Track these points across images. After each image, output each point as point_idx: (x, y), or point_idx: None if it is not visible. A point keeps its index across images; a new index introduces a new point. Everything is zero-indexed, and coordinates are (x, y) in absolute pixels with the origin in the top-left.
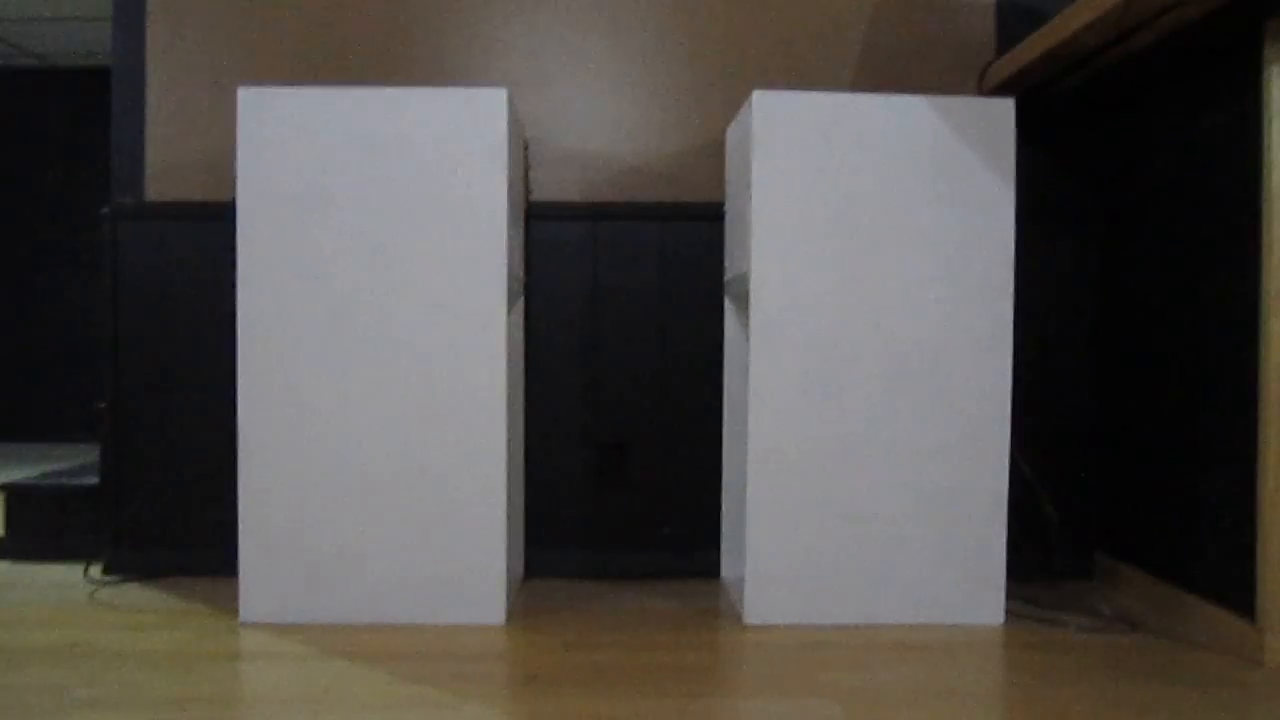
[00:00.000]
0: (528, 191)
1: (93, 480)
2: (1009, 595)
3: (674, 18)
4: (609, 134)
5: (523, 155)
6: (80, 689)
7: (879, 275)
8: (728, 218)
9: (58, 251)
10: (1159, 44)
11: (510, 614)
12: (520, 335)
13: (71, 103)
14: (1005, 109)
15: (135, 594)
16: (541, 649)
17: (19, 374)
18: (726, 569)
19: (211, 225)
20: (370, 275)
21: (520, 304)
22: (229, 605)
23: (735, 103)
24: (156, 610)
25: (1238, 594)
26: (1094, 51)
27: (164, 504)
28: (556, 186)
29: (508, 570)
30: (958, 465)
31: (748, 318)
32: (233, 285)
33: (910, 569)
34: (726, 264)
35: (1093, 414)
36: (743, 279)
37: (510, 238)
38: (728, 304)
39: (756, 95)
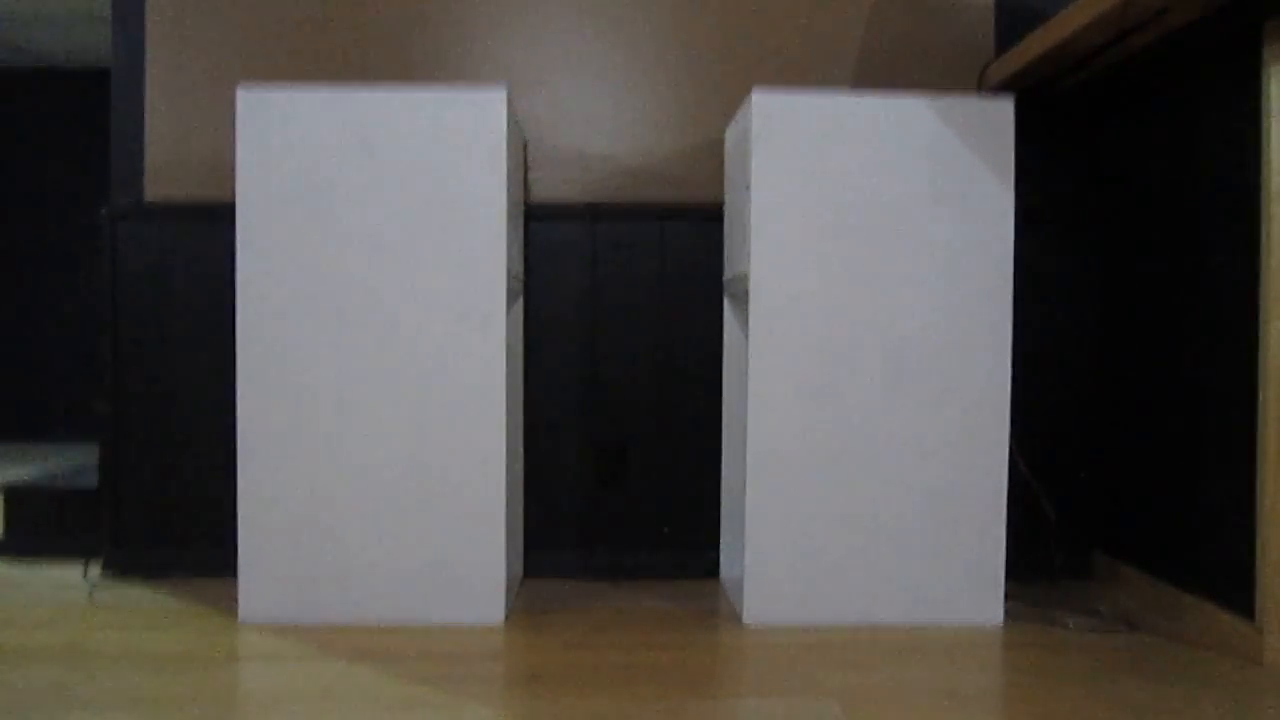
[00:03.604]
0: (527, 192)
1: (92, 480)
2: (1008, 595)
3: (673, 17)
4: (608, 134)
5: (522, 155)
6: (79, 689)
7: (878, 275)
8: (727, 217)
9: (57, 252)
10: (1158, 44)
11: (510, 614)
12: (519, 335)
13: (71, 103)
14: (1005, 108)
15: (134, 594)
16: (541, 649)
17: (19, 374)
18: (726, 569)
19: (211, 226)
20: (369, 275)
21: (519, 304)
22: (228, 605)
23: (734, 102)
24: (156, 610)
25: (1237, 593)
26: (1093, 51)
27: (163, 504)
28: (555, 186)
29: (507, 570)
30: (957, 465)
31: (747, 317)
32: (232, 286)
33: (909, 569)
34: (725, 264)
35: (1092, 414)
36: (742, 279)
37: (509, 238)
38: (727, 304)
39: (755, 95)
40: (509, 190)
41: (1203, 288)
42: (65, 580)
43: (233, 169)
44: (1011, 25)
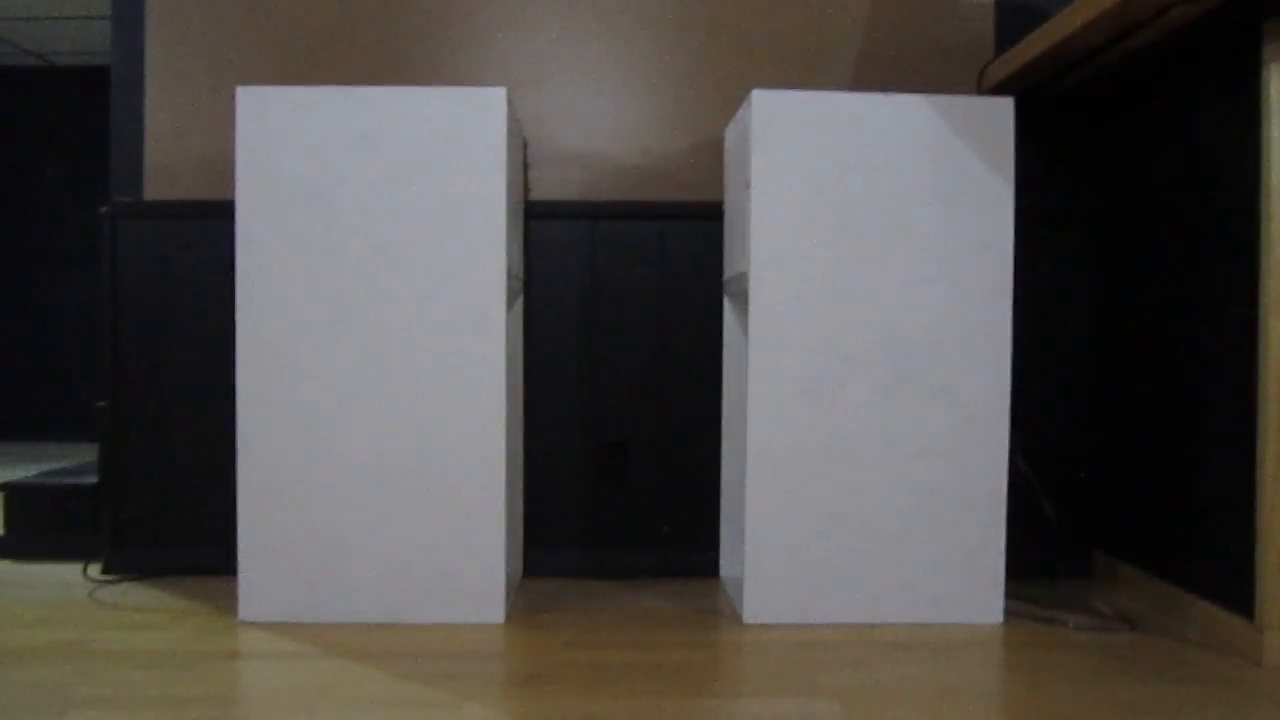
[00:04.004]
0: (526, 190)
1: (92, 479)
2: (1008, 594)
3: (673, 16)
4: (608, 133)
5: (521, 154)
6: (79, 688)
7: (878, 274)
8: (726, 217)
9: (57, 250)
10: (1158, 43)
11: (509, 613)
12: (519, 334)
13: (71, 101)
14: (1004, 108)
15: (134, 593)
16: (540, 648)
17: (18, 373)
18: (725, 568)
19: (210, 224)
20: (369, 274)
21: (519, 303)
22: (228, 604)
23: (734, 101)
24: (155, 609)
25: (1236, 593)
26: (1093, 51)
27: (163, 503)
28: (555, 185)
29: (507, 569)
30: (957, 464)
31: (746, 317)
32: (232, 284)
33: (909, 568)
34: (725, 263)
35: (1092, 413)
36: (741, 278)
37: (509, 237)
38: (726, 303)
39: (756, 94)
40: (509, 189)
41: (1202, 286)
42: (65, 579)
43: (232, 167)
44: (1011, 24)
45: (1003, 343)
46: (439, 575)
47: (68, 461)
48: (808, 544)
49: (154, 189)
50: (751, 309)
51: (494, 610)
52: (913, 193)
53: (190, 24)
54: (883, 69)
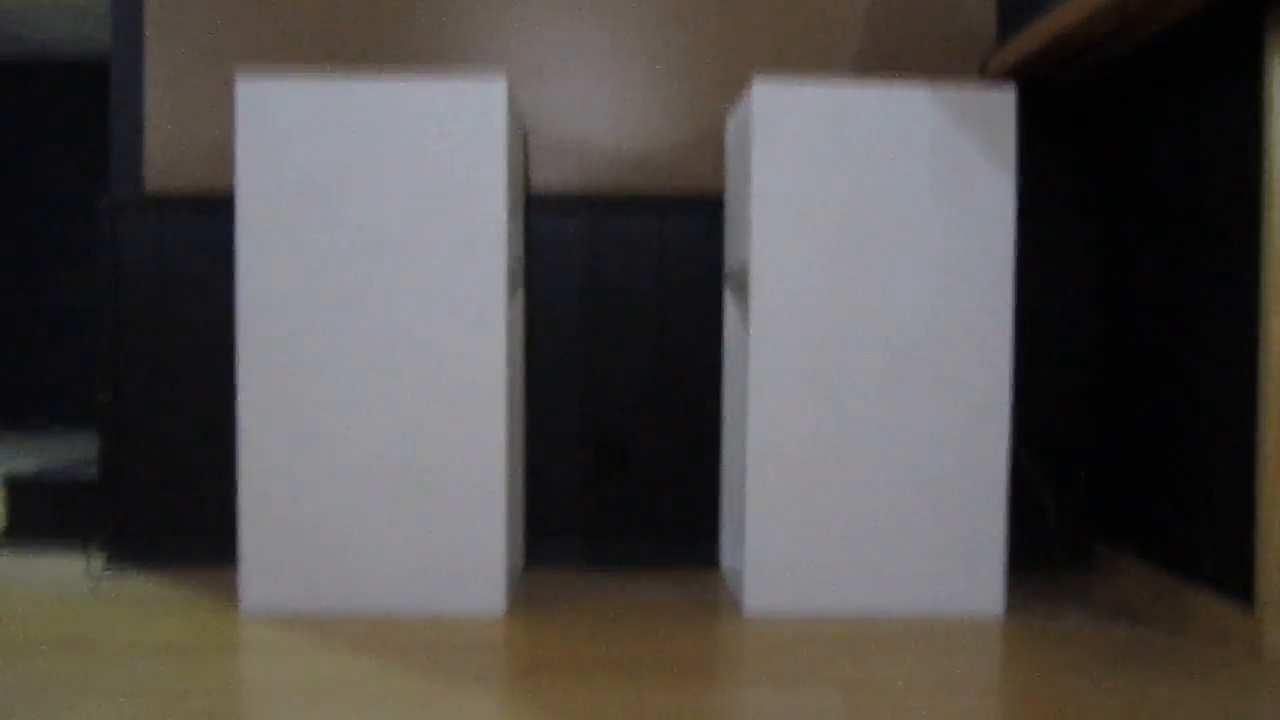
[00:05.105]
0: (527, 182)
1: (94, 472)
2: (1008, 586)
3: (673, 7)
4: (608, 125)
5: (522, 146)
6: (81, 680)
7: (879, 265)
8: (727, 208)
9: (58, 242)
10: (1160, 35)
11: (510, 605)
12: (520, 326)
13: (71, 94)
14: (1006, 99)
15: (136, 585)
16: (541, 640)
17: (20, 365)
18: (726, 559)
19: (211, 216)
20: (370, 266)
21: (520, 295)
22: (229, 596)
23: (735, 92)
24: (157, 601)
25: (1237, 584)
26: (1095, 42)
27: (165, 495)
28: (556, 178)
29: (508, 561)
30: (958, 456)
31: (747, 308)
32: (232, 276)
33: (910, 560)
34: (726, 255)
35: (1092, 404)
36: (742, 270)
37: (510, 228)
38: (727, 295)
39: (757, 85)
40: (509, 181)
41: (1204, 277)
42: (67, 572)
43: (232, 160)
44: (1013, 13)
45: (1003, 332)
46: (440, 567)
47: (69, 454)
48: (808, 535)
49: (154, 181)
50: (752, 300)
51: (495, 602)
52: (914, 183)
53: (188, 14)
54: (884, 57)
